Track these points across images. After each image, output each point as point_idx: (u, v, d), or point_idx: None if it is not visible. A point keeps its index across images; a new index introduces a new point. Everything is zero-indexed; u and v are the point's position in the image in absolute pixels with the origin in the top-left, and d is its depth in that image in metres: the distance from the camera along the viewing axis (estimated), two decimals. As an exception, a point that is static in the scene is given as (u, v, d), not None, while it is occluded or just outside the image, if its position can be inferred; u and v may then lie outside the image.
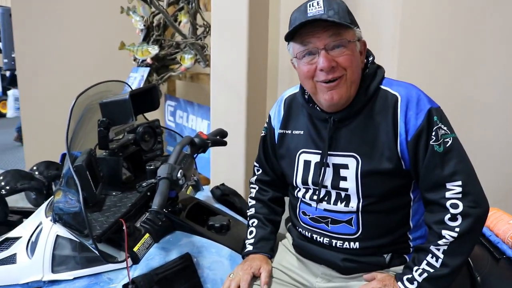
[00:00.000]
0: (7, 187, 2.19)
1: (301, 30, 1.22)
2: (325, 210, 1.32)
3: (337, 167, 1.28)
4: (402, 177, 1.25)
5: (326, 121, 1.30)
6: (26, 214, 1.88)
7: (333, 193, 1.30)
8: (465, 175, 1.18)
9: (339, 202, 1.29)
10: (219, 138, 1.78)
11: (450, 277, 1.19)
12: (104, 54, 4.25)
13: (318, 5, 1.19)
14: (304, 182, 1.35)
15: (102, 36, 4.29)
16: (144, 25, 3.72)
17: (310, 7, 1.20)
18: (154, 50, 3.60)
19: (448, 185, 1.18)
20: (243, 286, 1.32)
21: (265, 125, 1.53)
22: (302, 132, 1.37)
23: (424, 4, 2.35)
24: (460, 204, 1.17)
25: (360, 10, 2.72)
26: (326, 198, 1.32)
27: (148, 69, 3.71)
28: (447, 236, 1.17)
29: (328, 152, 1.29)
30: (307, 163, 1.34)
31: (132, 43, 3.77)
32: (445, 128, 1.20)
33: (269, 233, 1.49)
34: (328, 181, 1.30)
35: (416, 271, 1.20)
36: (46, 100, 4.40)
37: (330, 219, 1.31)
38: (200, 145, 1.64)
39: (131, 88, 1.79)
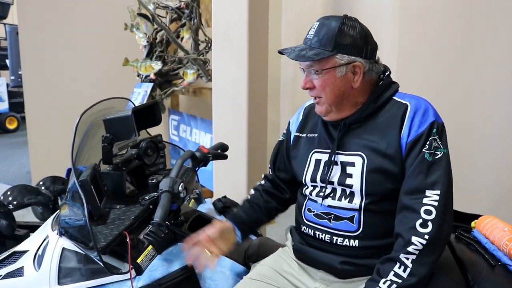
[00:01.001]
0: (14, 202, 2.23)
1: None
2: (329, 206, 1.38)
3: (344, 165, 1.37)
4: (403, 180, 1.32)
5: (337, 124, 1.41)
6: (33, 228, 1.92)
7: (339, 189, 1.38)
8: (445, 188, 1.25)
9: (343, 198, 1.36)
10: (220, 152, 1.82)
11: None
12: (109, 70, 4.33)
13: (313, 29, 1.35)
14: (313, 179, 1.43)
15: (107, 52, 4.37)
16: (147, 42, 3.79)
17: (310, 28, 1.37)
18: (157, 65, 3.67)
19: (427, 192, 1.24)
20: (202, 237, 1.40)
21: (284, 131, 1.65)
22: (316, 135, 1.49)
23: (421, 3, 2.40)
24: (434, 211, 1.22)
25: (359, 10, 2.77)
26: (331, 194, 1.39)
27: (151, 84, 3.77)
28: (416, 243, 1.21)
29: (337, 151, 1.39)
30: (317, 162, 1.44)
31: (136, 59, 3.84)
32: (440, 142, 1.28)
33: (247, 209, 1.59)
34: (335, 178, 1.38)
35: (384, 283, 1.21)
36: (52, 116, 4.46)
37: (333, 216, 1.37)
38: (201, 159, 1.69)
39: (134, 104, 1.84)
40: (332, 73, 1.33)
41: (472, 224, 1.67)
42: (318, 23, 1.35)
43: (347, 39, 1.32)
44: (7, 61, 7.91)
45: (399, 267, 1.21)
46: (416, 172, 1.26)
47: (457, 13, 2.44)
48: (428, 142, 1.26)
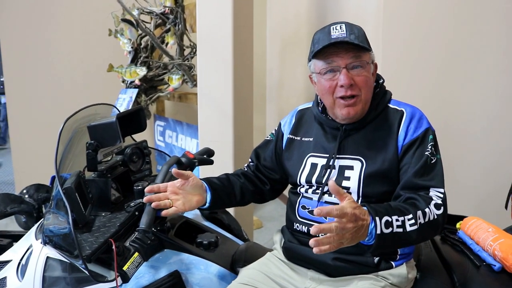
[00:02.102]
0: (-3, 211, 2.20)
1: (325, 50, 1.35)
2: (325, 202, 1.41)
3: (342, 168, 1.40)
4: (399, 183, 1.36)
5: (337, 129, 1.44)
6: (16, 237, 1.89)
7: None
8: (443, 188, 1.32)
9: None
10: (206, 157, 1.82)
11: (392, 244, 1.21)
12: (93, 76, 4.29)
13: (341, 28, 1.34)
14: (308, 181, 1.45)
15: (91, 58, 4.33)
16: (132, 47, 3.77)
17: (333, 30, 1.35)
18: (142, 71, 3.66)
19: (432, 189, 1.30)
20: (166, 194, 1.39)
21: (273, 131, 1.67)
22: (311, 139, 1.51)
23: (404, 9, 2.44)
24: (442, 208, 1.28)
25: (344, 10, 2.79)
26: (328, 192, 1.41)
27: (136, 90, 3.75)
28: (432, 207, 1.25)
29: (336, 156, 1.41)
30: (313, 165, 1.46)
31: (121, 65, 3.82)
32: (434, 149, 1.35)
33: (220, 180, 1.58)
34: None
35: (397, 220, 1.19)
36: (36, 123, 4.41)
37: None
38: (187, 164, 1.68)
39: (118, 110, 1.83)
40: (369, 69, 1.38)
41: (457, 225, 1.70)
42: (343, 24, 1.36)
43: (368, 40, 1.39)
44: (-11, 68, 7.82)
45: (411, 219, 1.21)
46: (420, 173, 1.31)
47: (441, 18, 2.48)
48: (429, 147, 1.34)
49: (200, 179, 1.53)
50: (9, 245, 1.95)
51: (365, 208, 1.16)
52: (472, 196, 2.47)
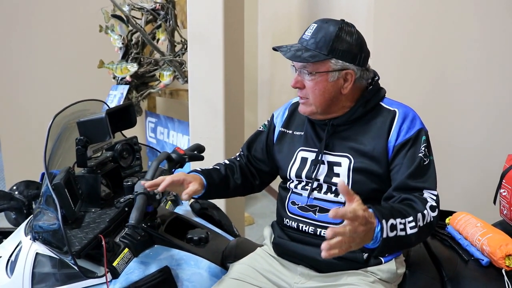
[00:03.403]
0: (-14, 208, 2.19)
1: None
2: (315, 198, 1.41)
3: (331, 164, 1.40)
4: (389, 182, 1.36)
5: (325, 125, 1.44)
6: (6, 234, 1.88)
7: (325, 186, 1.41)
8: (436, 190, 1.32)
9: (329, 193, 1.40)
10: (196, 153, 1.81)
11: (394, 247, 1.20)
12: (84, 72, 4.27)
13: (310, 30, 1.37)
14: (298, 175, 1.46)
15: (82, 54, 4.31)
16: (123, 43, 3.75)
17: (307, 29, 1.39)
18: (133, 67, 3.64)
19: (426, 191, 1.30)
20: (168, 180, 1.36)
21: (265, 122, 1.67)
22: (302, 133, 1.51)
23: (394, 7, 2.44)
24: (436, 210, 1.27)
25: (335, 7, 2.80)
26: (317, 188, 1.42)
27: (127, 86, 3.74)
28: (428, 209, 1.25)
29: (324, 151, 1.42)
30: (303, 160, 1.47)
31: (111, 61, 3.80)
32: (427, 150, 1.35)
33: (219, 177, 1.57)
34: (321, 176, 1.41)
35: (400, 223, 1.18)
36: (25, 120, 4.39)
37: (318, 208, 1.40)
38: (177, 160, 1.68)
39: (108, 106, 1.82)
40: (324, 76, 1.36)
41: (447, 220, 1.71)
42: (316, 25, 1.37)
43: (343, 45, 1.34)
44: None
45: (411, 221, 1.20)
46: (414, 175, 1.30)
47: (432, 16, 2.49)
48: (422, 148, 1.33)
49: (198, 170, 1.54)
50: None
51: (370, 210, 1.13)
52: (463, 191, 2.50)
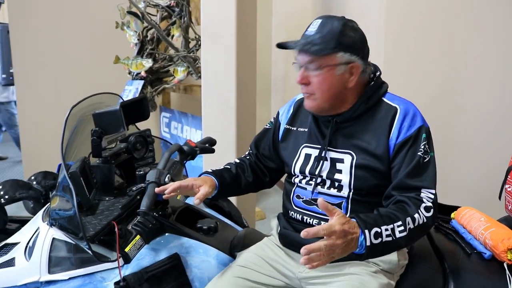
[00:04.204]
0: (6, 196, 2.25)
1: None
2: (319, 193, 1.45)
3: (334, 161, 1.43)
4: (389, 178, 1.39)
5: (328, 122, 1.47)
6: (24, 222, 1.94)
7: (328, 181, 1.44)
8: (435, 189, 1.34)
9: (332, 188, 1.43)
10: (207, 146, 1.86)
11: (382, 252, 1.22)
12: (100, 68, 4.35)
13: (314, 26, 1.38)
14: (302, 171, 1.49)
15: (98, 50, 4.39)
16: (138, 40, 3.82)
17: (310, 25, 1.40)
18: (148, 63, 3.71)
19: (424, 190, 1.32)
20: (175, 185, 1.40)
21: (271, 120, 1.69)
22: (306, 130, 1.54)
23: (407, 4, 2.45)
24: (432, 210, 1.29)
25: (346, 10, 2.82)
26: (321, 184, 1.45)
27: (142, 81, 3.80)
28: (422, 211, 1.27)
29: (328, 148, 1.44)
30: (307, 156, 1.50)
31: (127, 57, 3.87)
32: (428, 146, 1.36)
33: (230, 176, 1.61)
34: (324, 172, 1.44)
35: (386, 230, 1.21)
36: (44, 113, 4.48)
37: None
38: (188, 152, 1.73)
39: (123, 99, 1.88)
40: (331, 71, 1.37)
41: (452, 215, 1.73)
42: (319, 20, 1.39)
43: (349, 39, 1.37)
44: (-1, 59, 7.90)
45: (400, 226, 1.22)
46: (412, 173, 1.32)
47: (444, 13, 2.50)
48: (422, 147, 1.34)
49: (209, 171, 1.57)
50: (17, 230, 2.01)
51: (353, 220, 1.18)
52: (469, 187, 2.51)
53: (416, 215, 1.25)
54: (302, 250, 1.05)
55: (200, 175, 1.58)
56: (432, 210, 1.29)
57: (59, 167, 2.32)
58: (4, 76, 5.33)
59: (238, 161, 1.71)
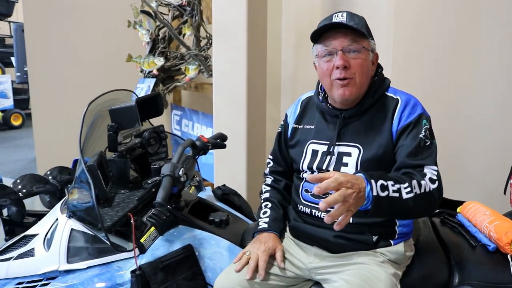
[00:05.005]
0: (24, 190, 2.31)
1: (324, 34, 1.46)
2: None
3: (341, 155, 1.48)
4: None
5: (337, 117, 1.52)
6: (41, 216, 2.00)
7: None
8: (437, 166, 1.37)
9: None
10: (219, 141, 1.91)
11: (389, 209, 1.26)
12: (113, 66, 4.41)
13: (342, 16, 1.45)
14: (310, 167, 1.53)
15: (111, 48, 4.45)
16: (150, 38, 3.87)
17: (335, 17, 1.46)
18: (159, 61, 3.76)
19: (427, 166, 1.36)
20: (262, 266, 1.44)
21: (282, 123, 1.74)
22: (313, 127, 1.59)
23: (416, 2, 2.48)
24: (437, 182, 1.33)
25: (356, 8, 2.84)
26: None
27: (154, 79, 3.85)
28: (427, 180, 1.31)
29: (336, 143, 1.49)
30: (314, 152, 1.54)
31: (139, 55, 3.92)
32: (429, 133, 1.41)
33: (281, 216, 1.64)
34: (331, 167, 1.48)
35: (393, 185, 1.25)
36: (57, 111, 4.56)
37: (329, 195, 1.46)
38: (201, 147, 1.78)
39: (137, 96, 1.93)
40: (367, 54, 1.45)
41: (458, 209, 1.77)
42: (345, 12, 1.45)
43: (370, 30, 1.47)
44: (13, 58, 8.04)
45: (407, 187, 1.26)
46: (414, 153, 1.36)
47: (452, 12, 2.51)
48: (423, 131, 1.39)
49: (268, 228, 1.58)
50: (34, 223, 2.08)
51: (360, 174, 1.23)
52: (477, 182, 2.52)
53: (422, 182, 1.29)
54: (321, 204, 1.08)
55: (254, 234, 1.60)
56: (437, 182, 1.32)
57: (74, 163, 2.39)
58: (18, 74, 5.44)
59: (278, 197, 1.69)
